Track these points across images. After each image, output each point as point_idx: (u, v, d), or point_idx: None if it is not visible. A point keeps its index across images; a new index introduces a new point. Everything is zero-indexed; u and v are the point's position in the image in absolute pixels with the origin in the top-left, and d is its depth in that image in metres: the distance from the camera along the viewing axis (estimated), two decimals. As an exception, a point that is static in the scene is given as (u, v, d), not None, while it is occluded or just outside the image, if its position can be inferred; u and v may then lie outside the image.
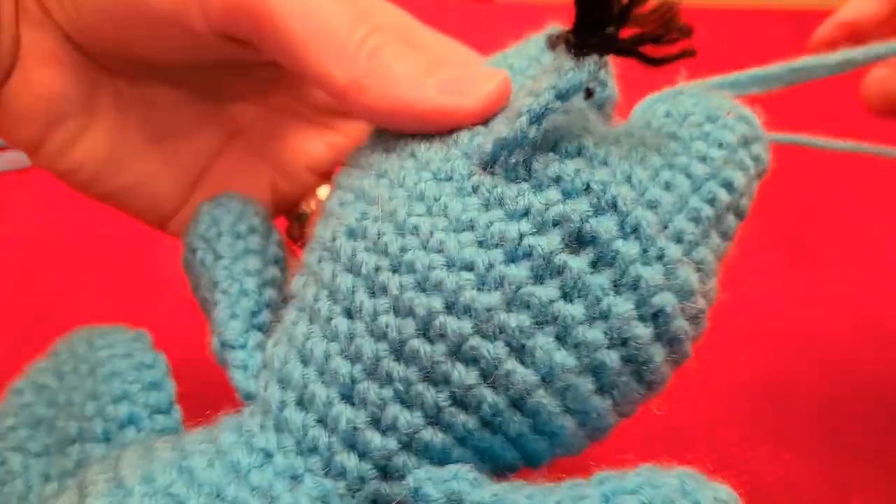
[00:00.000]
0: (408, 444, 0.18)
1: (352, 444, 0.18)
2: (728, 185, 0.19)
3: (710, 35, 0.79)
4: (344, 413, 0.18)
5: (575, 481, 0.17)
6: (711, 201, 0.19)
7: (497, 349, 0.17)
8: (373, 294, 0.18)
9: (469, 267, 0.17)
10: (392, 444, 0.18)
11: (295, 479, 0.18)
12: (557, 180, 0.17)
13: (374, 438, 0.18)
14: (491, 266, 0.17)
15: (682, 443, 0.34)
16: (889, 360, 0.39)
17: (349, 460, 0.18)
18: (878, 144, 0.26)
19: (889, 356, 0.39)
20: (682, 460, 0.16)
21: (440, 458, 0.19)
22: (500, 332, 0.17)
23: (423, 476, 0.18)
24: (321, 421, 0.19)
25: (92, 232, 0.47)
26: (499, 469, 0.19)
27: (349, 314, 0.19)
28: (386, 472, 0.19)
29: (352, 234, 0.19)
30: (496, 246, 0.17)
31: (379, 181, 0.20)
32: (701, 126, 0.20)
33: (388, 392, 0.18)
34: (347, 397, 0.19)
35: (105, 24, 0.23)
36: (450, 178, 0.18)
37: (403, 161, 0.20)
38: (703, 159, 0.19)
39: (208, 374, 0.24)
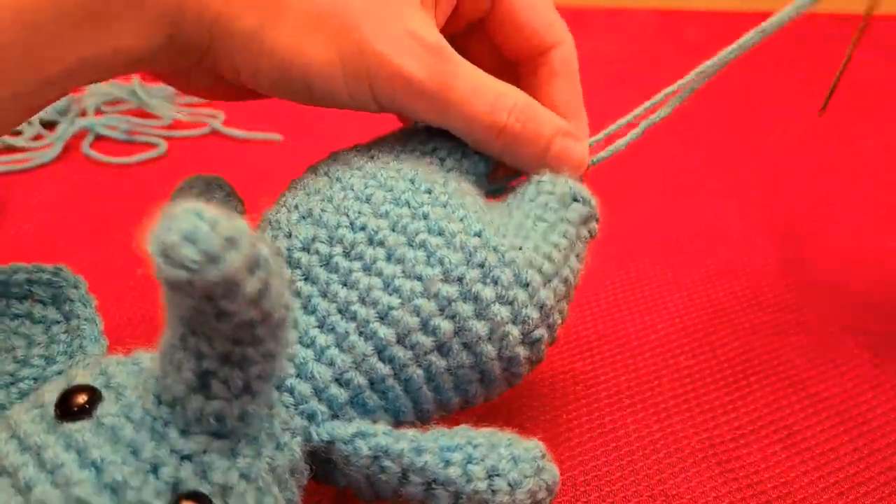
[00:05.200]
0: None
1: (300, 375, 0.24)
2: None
3: (705, 36, 0.80)
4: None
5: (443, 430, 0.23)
6: (551, 256, 0.27)
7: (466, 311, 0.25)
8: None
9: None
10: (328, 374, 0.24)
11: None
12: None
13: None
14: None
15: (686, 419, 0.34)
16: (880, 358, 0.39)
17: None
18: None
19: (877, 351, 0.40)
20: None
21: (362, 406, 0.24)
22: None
23: (350, 431, 0.23)
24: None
25: (93, 232, 0.48)
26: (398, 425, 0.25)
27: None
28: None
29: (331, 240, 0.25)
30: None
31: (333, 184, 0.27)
32: (556, 211, 0.28)
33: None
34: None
35: (274, 92, 0.28)
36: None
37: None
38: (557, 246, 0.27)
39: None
